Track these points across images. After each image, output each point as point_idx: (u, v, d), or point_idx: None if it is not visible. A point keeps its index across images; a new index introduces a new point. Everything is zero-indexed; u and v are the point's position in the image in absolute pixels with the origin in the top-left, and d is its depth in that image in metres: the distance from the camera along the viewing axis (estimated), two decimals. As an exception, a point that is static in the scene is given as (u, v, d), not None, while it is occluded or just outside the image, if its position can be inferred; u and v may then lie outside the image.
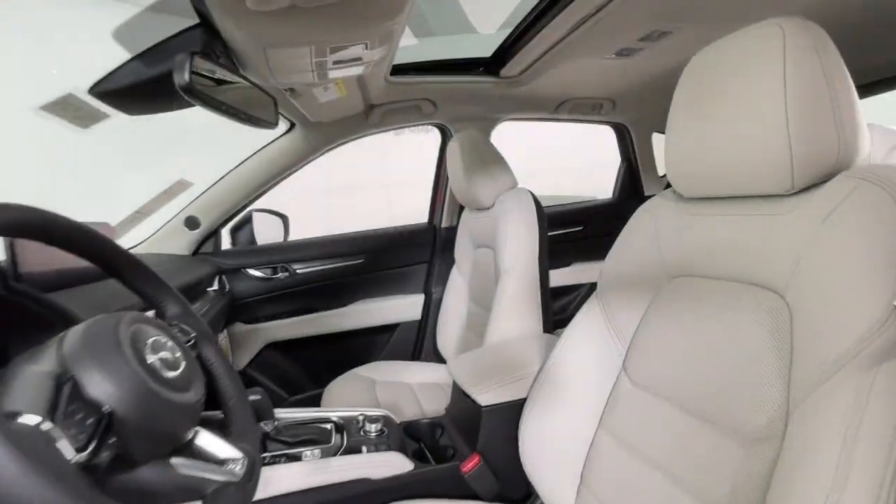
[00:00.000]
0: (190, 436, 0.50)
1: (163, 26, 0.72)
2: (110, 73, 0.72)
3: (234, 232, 1.70)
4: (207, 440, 0.51)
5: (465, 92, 1.49)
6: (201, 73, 0.75)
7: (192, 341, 0.61)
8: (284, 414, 1.03)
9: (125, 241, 1.41)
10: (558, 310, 1.96)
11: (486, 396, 0.92)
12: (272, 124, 0.97)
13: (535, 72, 1.40)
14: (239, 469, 0.50)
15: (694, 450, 0.57)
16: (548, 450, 0.79)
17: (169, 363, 0.47)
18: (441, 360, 1.67)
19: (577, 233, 1.98)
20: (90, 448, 0.35)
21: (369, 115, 1.49)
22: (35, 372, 0.38)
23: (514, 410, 0.90)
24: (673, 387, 0.62)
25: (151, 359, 0.45)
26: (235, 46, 0.79)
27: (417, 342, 1.81)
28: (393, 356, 1.77)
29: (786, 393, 0.49)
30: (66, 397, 0.36)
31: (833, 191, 0.49)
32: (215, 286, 1.44)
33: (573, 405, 0.78)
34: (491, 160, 1.32)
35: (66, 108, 0.75)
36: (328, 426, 0.99)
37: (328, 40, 0.78)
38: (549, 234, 1.81)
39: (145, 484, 0.42)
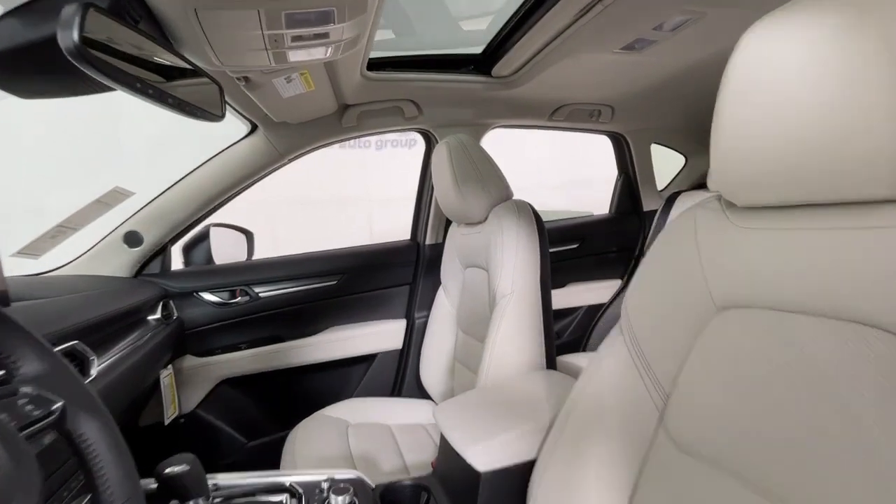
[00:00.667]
0: None
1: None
2: (-27, 35, 0.52)
3: (188, 250, 1.48)
4: None
5: (452, 93, 1.33)
6: (109, 39, 0.56)
7: (54, 418, 0.41)
8: (225, 480, 0.81)
9: (45, 262, 1.17)
10: (558, 334, 1.79)
11: (485, 459, 0.73)
12: (216, 116, 0.78)
13: (530, 71, 1.25)
14: None
15: None
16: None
17: None
18: (425, 396, 1.47)
19: (573, 251, 1.82)
20: None
21: (343, 116, 1.31)
22: None
23: (520, 475, 0.72)
24: (733, 454, 0.48)
25: None
26: (158, 7, 0.60)
27: (398, 375, 1.60)
28: (370, 391, 1.56)
29: None
30: None
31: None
32: (158, 313, 1.22)
33: (597, 474, 0.61)
34: (483, 167, 1.15)
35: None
36: (281, 498, 0.77)
37: (281, 3, 0.60)
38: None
39: None
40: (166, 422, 1.22)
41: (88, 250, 1.26)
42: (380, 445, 1.20)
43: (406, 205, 1.84)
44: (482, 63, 1.27)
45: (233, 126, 1.27)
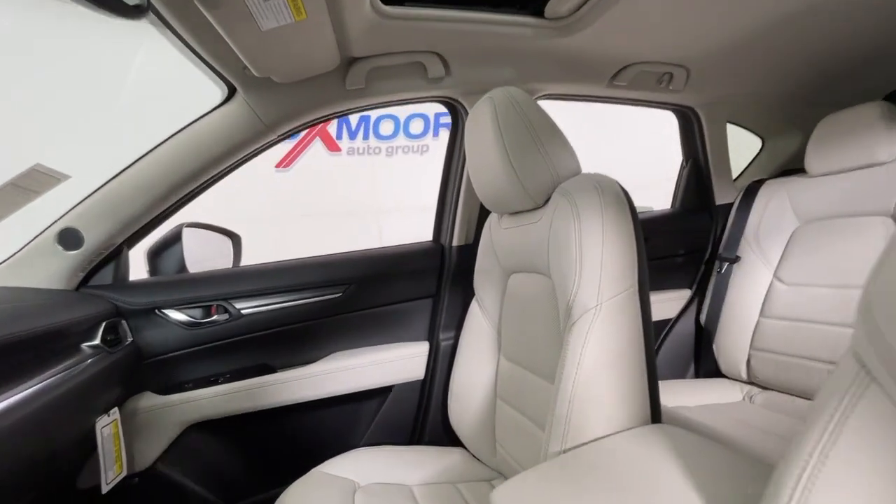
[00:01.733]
0: None
1: None
2: None
3: (154, 256, 1.17)
4: None
5: (489, 41, 1.01)
6: None
7: None
8: None
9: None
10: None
11: None
12: (137, 10, 0.46)
13: (592, 10, 0.93)
14: None
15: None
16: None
17: None
18: (455, 442, 1.12)
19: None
20: None
21: (347, 73, 1.00)
22: None
23: None
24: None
25: None
26: None
27: (419, 414, 1.25)
28: (384, 437, 1.21)
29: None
30: None
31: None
32: (98, 338, 0.90)
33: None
34: (543, 131, 0.83)
35: None
36: None
37: None
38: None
39: None
40: (104, 488, 0.89)
41: (13, 255, 0.95)
42: (399, 523, 0.86)
43: (419, 215, 1.68)
44: (530, 1, 0.96)
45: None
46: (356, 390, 1.19)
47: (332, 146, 4.45)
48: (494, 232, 1.04)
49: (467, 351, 1.11)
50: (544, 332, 0.82)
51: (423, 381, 1.25)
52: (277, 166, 4.31)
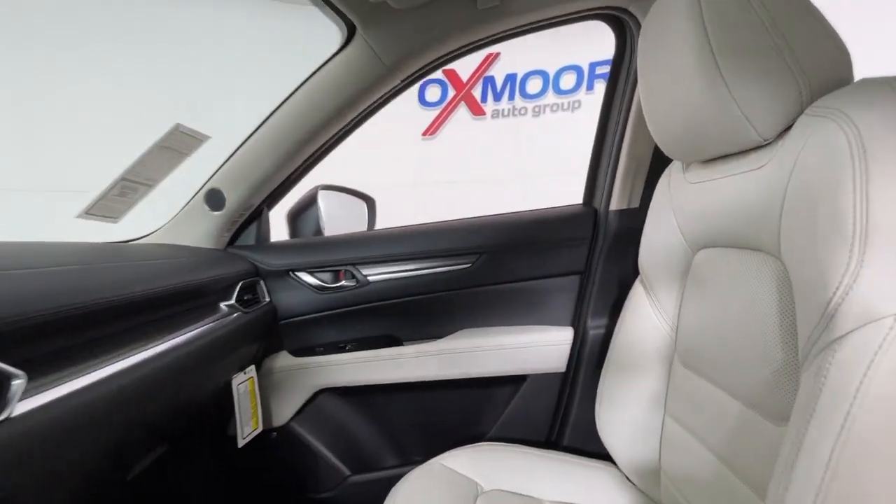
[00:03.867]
0: None
1: None
2: None
3: (294, 217, 1.19)
4: None
5: None
6: None
7: None
8: None
9: (131, 224, 0.95)
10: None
11: None
12: None
13: None
14: None
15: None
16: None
17: None
18: (602, 454, 0.89)
19: None
20: None
21: (480, -10, 0.79)
22: None
23: None
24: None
25: None
26: None
27: (558, 414, 1.05)
28: (514, 432, 1.05)
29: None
30: None
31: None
32: (233, 298, 0.91)
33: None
34: (784, 16, 0.50)
35: None
36: None
37: None
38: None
39: None
40: (240, 441, 0.92)
41: (177, 213, 1.03)
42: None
43: (567, 179, 1.53)
44: None
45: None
46: (485, 375, 1.04)
47: (477, 110, 4.30)
48: (676, 189, 0.74)
49: (626, 345, 0.85)
50: (760, 344, 0.53)
51: (565, 375, 1.04)
52: (423, 134, 4.37)
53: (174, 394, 0.75)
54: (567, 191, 1.29)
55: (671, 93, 0.60)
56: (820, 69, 0.49)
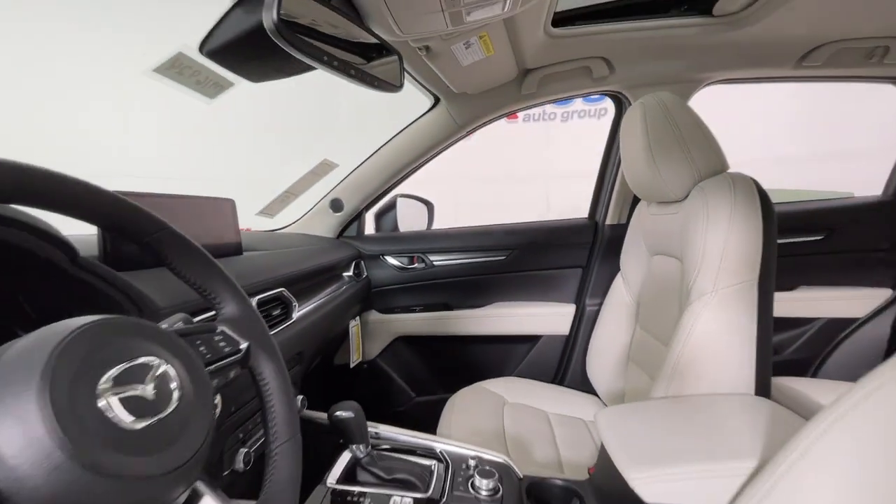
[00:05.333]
0: (181, 500, 0.34)
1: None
2: (214, 28, 0.63)
3: (379, 217, 1.65)
4: (209, 510, 0.35)
5: (655, 43, 1.10)
6: (305, 17, 0.60)
7: (242, 354, 0.46)
8: (387, 432, 0.87)
9: (278, 221, 1.46)
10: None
11: (654, 490, 0.59)
12: (395, 87, 0.80)
13: (769, 3, 0.94)
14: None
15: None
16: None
17: (142, 405, 0.31)
18: (590, 390, 1.34)
19: (813, 244, 1.38)
20: None
21: (523, 82, 1.23)
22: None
23: None
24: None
25: (107, 401, 0.29)
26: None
27: (562, 362, 1.50)
28: (530, 373, 1.50)
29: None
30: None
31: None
32: (352, 271, 1.39)
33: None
34: (689, 133, 0.93)
35: (181, 71, 0.68)
36: (430, 464, 0.79)
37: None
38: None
39: None
40: (352, 364, 1.41)
41: (305, 214, 1.51)
42: (535, 432, 1.15)
43: (590, 182, 1.68)
44: (699, 0, 1.01)
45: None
46: (512, 333, 1.50)
47: (511, 114, 4.68)
48: (643, 216, 1.18)
49: (609, 317, 1.29)
50: (669, 308, 0.96)
51: (568, 337, 1.48)
52: (460, 134, 4.78)
53: (330, 327, 1.23)
54: (586, 191, 1.59)
55: (634, 162, 1.03)
56: (703, 163, 0.92)
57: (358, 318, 1.46)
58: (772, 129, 4.04)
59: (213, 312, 0.50)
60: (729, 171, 0.92)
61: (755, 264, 0.80)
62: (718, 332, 0.80)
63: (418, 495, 0.70)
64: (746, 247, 0.80)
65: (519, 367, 1.53)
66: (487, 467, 0.75)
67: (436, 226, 1.63)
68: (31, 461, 0.25)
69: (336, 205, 1.45)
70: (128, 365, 0.31)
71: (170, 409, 0.32)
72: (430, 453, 0.82)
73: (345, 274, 1.37)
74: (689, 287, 0.85)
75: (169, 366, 0.34)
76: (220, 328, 0.47)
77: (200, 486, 0.36)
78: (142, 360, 0.33)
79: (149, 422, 0.30)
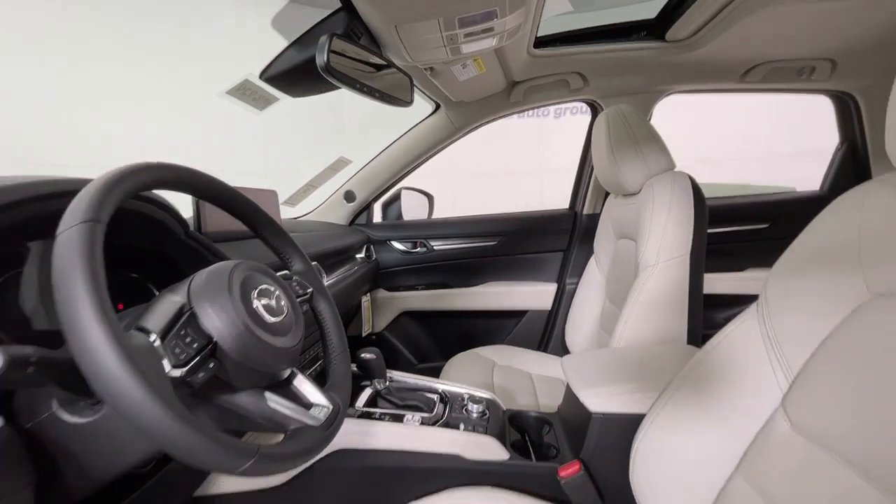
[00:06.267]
0: (286, 375, 0.56)
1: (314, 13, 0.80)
2: (273, 60, 0.84)
3: (385, 207, 1.87)
4: (302, 383, 0.57)
5: (620, 62, 1.32)
6: (343, 54, 0.81)
7: (308, 296, 0.68)
8: (399, 377, 1.10)
9: (300, 209, 1.67)
10: (721, 322, 1.64)
11: (596, 402, 0.82)
12: (407, 102, 1.01)
13: (712, 31, 1.15)
14: (322, 415, 0.54)
15: None
16: (668, 477, 0.66)
17: (272, 309, 0.53)
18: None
19: (760, 231, 1.61)
20: (188, 367, 0.42)
21: (511, 92, 1.44)
22: (170, 300, 0.47)
23: (628, 423, 0.79)
24: (861, 447, 0.47)
25: (256, 304, 0.51)
26: (372, 26, 0.83)
27: (545, 333, 1.73)
28: (518, 343, 1.73)
29: None
30: (181, 323, 0.44)
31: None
32: (363, 254, 1.61)
33: (704, 439, 0.64)
34: (642, 138, 1.15)
35: (244, 92, 0.90)
36: (434, 396, 1.02)
37: (455, 10, 0.77)
38: (724, 230, 1.52)
39: (238, 406, 0.48)
40: (363, 334, 1.63)
41: (322, 203, 1.73)
42: (519, 386, 1.38)
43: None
44: (655, 27, 1.23)
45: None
46: (502, 308, 1.73)
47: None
48: (611, 206, 1.40)
49: (583, 294, 1.52)
50: (628, 280, 1.19)
51: (550, 311, 1.71)
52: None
53: (346, 300, 1.45)
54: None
55: (600, 160, 1.25)
56: (654, 163, 1.14)
57: (368, 294, 1.68)
58: (752, 131, 4.26)
59: (284, 272, 0.72)
60: (675, 169, 1.14)
61: (687, 243, 1.03)
62: (659, 294, 1.03)
63: (425, 415, 0.93)
64: (681, 229, 1.03)
65: (508, 337, 1.75)
66: (478, 397, 0.98)
67: (436, 215, 1.85)
68: (228, 329, 0.46)
69: (349, 196, 1.67)
70: (262, 287, 0.53)
71: (284, 315, 0.54)
72: (434, 391, 1.04)
73: (357, 256, 1.59)
74: (639, 261, 1.08)
75: (280, 290, 0.56)
76: (294, 277, 0.69)
77: (295, 370, 0.58)
78: (265, 286, 0.54)
79: (276, 319, 0.52)
